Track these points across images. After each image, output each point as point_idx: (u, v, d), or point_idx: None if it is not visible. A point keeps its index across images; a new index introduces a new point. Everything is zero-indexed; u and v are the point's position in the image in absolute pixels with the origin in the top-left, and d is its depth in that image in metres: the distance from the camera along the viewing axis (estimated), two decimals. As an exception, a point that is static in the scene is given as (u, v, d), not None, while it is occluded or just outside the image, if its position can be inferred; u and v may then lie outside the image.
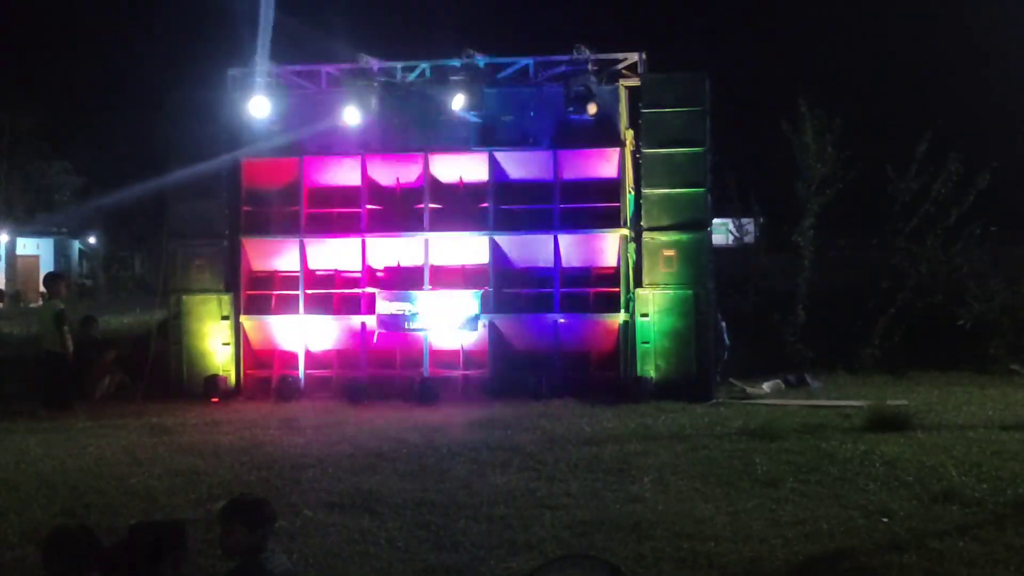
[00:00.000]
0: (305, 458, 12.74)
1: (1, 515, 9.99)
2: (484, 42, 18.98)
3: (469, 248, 18.94)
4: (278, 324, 19.27)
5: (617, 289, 18.37)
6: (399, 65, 19.06)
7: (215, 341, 18.98)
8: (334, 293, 19.32)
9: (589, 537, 9.13)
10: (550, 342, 18.43)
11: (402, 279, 19.13)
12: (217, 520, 5.90)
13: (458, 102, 17.81)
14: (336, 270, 19.51)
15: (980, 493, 10.42)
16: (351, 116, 18.37)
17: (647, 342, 17.88)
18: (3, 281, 45.24)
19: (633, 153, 18.62)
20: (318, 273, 19.51)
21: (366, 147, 19.06)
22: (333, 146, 19.21)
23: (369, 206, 19.15)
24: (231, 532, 5.61)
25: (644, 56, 18.56)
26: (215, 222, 19.15)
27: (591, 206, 18.49)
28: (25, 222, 46.02)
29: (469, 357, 18.77)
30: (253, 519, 5.64)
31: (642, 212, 18.22)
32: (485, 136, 18.80)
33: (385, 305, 18.62)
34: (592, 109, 17.71)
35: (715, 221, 19.90)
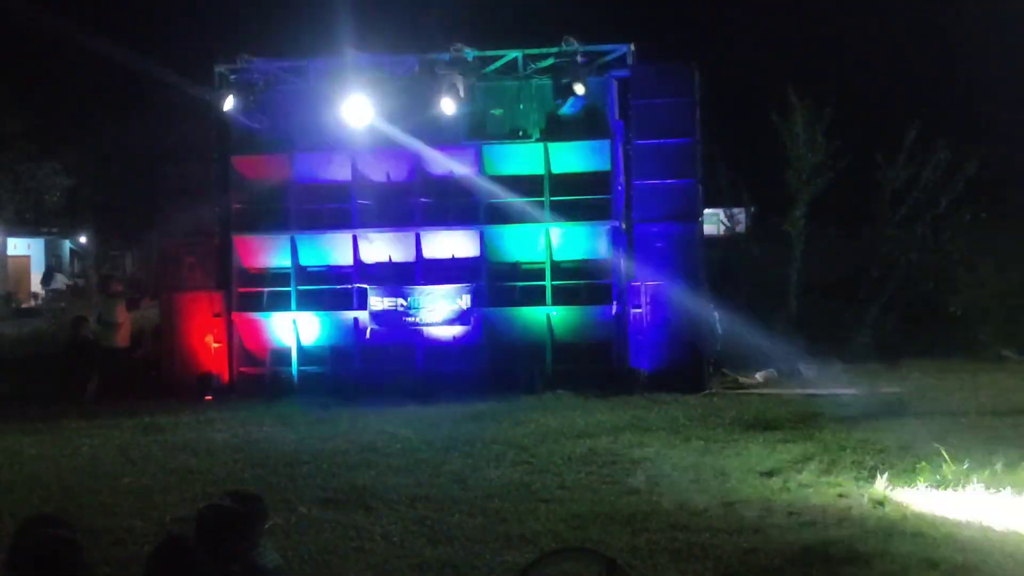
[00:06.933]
0: (299, 454, 12.73)
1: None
2: (472, 35, 18.97)
3: (460, 242, 18.92)
4: (270, 321, 19.23)
5: (609, 281, 18.38)
6: (387, 59, 19.01)
7: (207, 338, 18.95)
8: (326, 289, 19.27)
9: (584, 530, 9.14)
10: (543, 335, 18.42)
11: (394, 274, 19.10)
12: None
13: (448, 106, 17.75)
14: (328, 266, 19.47)
15: (974, 479, 10.44)
16: (340, 112, 18.32)
17: (639, 333, 17.90)
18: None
19: (623, 145, 18.61)
20: (309, 269, 19.47)
21: (355, 142, 19.00)
22: (323, 142, 19.15)
23: (360, 201, 19.11)
24: None
25: (633, 48, 18.55)
26: (206, 220, 19.11)
27: (582, 198, 18.46)
28: (15, 223, 45.86)
29: (462, 351, 18.75)
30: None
31: (633, 203, 18.23)
32: (475, 129, 18.77)
33: (377, 300, 18.60)
34: (580, 88, 17.59)
35: (706, 211, 19.92)
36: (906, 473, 10.85)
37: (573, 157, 18.75)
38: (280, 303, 19.18)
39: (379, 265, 19.28)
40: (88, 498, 10.70)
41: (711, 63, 20.54)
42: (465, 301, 18.32)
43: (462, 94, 17.93)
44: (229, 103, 18.37)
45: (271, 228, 19.30)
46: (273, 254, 19.45)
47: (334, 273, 19.38)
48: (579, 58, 17.96)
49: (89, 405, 17.33)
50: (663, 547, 8.55)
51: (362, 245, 19.10)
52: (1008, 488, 9.86)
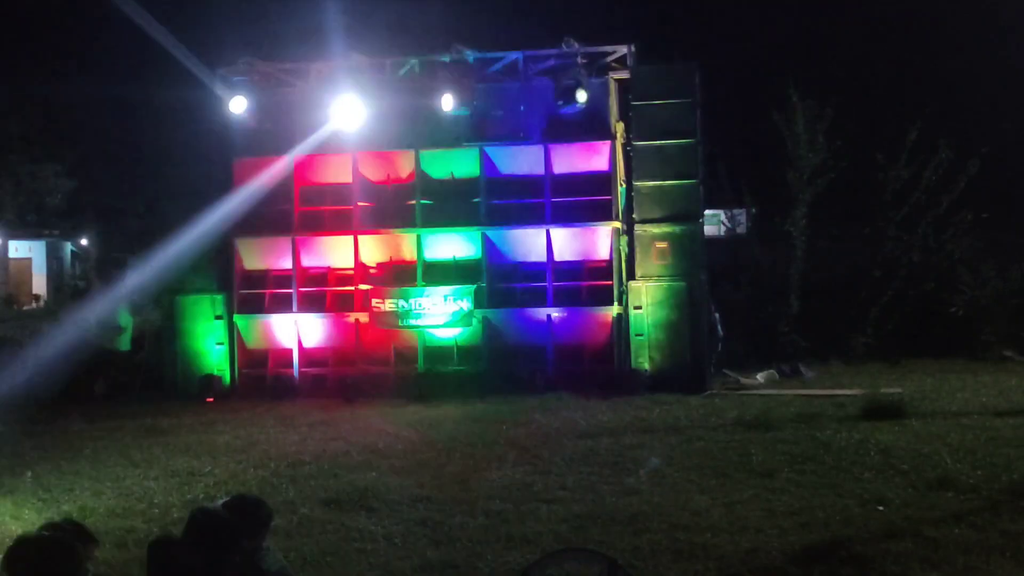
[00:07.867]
0: (301, 456, 12.74)
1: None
2: (472, 36, 18.98)
3: (461, 244, 18.93)
4: (272, 323, 19.25)
5: (610, 282, 18.37)
6: (388, 61, 19.03)
7: (209, 341, 18.98)
8: (327, 291, 19.30)
9: (586, 531, 9.13)
10: (544, 336, 18.43)
11: (395, 276, 19.11)
12: None
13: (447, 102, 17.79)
14: (329, 268, 19.49)
15: (975, 480, 10.44)
16: (341, 114, 18.33)
17: (641, 334, 17.91)
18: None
19: (624, 146, 18.62)
20: (311, 271, 19.49)
21: (356, 144, 19.01)
22: (323, 144, 19.15)
23: (361, 203, 19.12)
24: None
25: (633, 48, 18.56)
26: (207, 222, 19.12)
27: (583, 199, 18.48)
28: (16, 225, 45.88)
29: (463, 352, 18.76)
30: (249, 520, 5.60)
31: (634, 205, 18.24)
32: (475, 131, 18.77)
33: (379, 302, 18.61)
34: (582, 96, 17.62)
35: (707, 212, 19.91)
36: (907, 473, 10.84)
37: (574, 158, 18.75)
38: (282, 305, 19.21)
39: (380, 267, 19.30)
40: (89, 501, 10.71)
41: (712, 63, 20.57)
42: (466, 302, 18.33)
43: (463, 96, 17.93)
44: (231, 105, 18.40)
45: (272, 230, 19.33)
46: (275, 256, 19.47)
47: (335, 275, 19.40)
48: (579, 59, 17.98)
49: (97, 405, 17.38)
50: (664, 547, 8.55)
51: (363, 247, 19.11)
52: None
